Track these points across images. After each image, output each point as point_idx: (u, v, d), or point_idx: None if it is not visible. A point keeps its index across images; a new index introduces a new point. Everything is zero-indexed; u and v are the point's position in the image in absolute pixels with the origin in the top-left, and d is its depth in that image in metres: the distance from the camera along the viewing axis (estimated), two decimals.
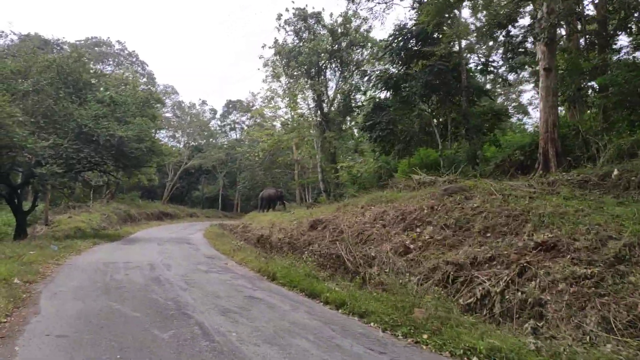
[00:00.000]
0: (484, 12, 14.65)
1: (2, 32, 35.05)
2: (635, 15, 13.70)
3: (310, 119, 32.82)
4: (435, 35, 17.10)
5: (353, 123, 33.15)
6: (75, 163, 16.99)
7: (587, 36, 14.64)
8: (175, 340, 5.13)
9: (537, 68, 13.14)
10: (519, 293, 6.00)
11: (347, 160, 27.97)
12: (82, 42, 41.26)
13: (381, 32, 66.99)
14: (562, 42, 15.33)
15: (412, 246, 8.91)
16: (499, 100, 32.78)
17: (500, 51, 16.40)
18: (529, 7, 14.62)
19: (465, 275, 6.97)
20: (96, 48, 41.81)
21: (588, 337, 4.95)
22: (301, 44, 29.84)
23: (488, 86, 25.84)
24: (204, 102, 61.68)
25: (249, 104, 53.31)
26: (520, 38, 15.25)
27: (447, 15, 15.82)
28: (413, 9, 18.55)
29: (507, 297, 6.12)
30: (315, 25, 30.57)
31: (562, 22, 12.69)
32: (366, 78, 22.10)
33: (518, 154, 13.98)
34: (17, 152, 16.20)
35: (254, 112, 48.16)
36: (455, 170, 13.69)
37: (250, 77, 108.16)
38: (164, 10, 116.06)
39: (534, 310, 5.72)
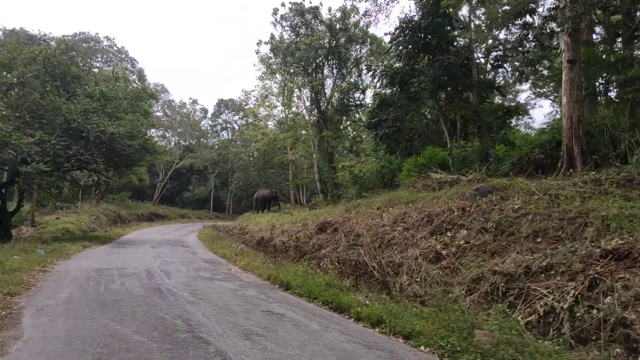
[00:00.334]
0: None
1: None
2: None
3: (307, 118, 31.88)
4: (447, 28, 16.25)
5: (349, 123, 32.28)
6: (64, 161, 15.90)
7: (611, 29, 13.88)
8: None
9: (560, 61, 12.38)
10: (595, 310, 5.10)
11: (347, 160, 27.02)
12: (70, 37, 39.64)
13: (385, 26, 66.42)
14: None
15: (444, 252, 8.00)
16: (496, 100, 32.15)
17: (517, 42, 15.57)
18: None
19: (519, 287, 6.06)
20: (84, 44, 40.16)
21: None
22: (298, 40, 28.85)
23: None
24: (194, 102, 60.32)
25: (242, 103, 52.18)
26: (538, 30, 14.44)
27: None
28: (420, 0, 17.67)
29: (577, 314, 5.23)
30: (313, 20, 29.61)
31: (590, 11, 11.83)
32: (370, 73, 21.11)
33: (537, 152, 13.28)
34: (0, 149, 15.06)
35: (248, 110, 47.04)
36: (467, 169, 12.90)
37: (244, 74, 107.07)
38: (153, 8, 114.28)
39: (616, 331, 4.82)
